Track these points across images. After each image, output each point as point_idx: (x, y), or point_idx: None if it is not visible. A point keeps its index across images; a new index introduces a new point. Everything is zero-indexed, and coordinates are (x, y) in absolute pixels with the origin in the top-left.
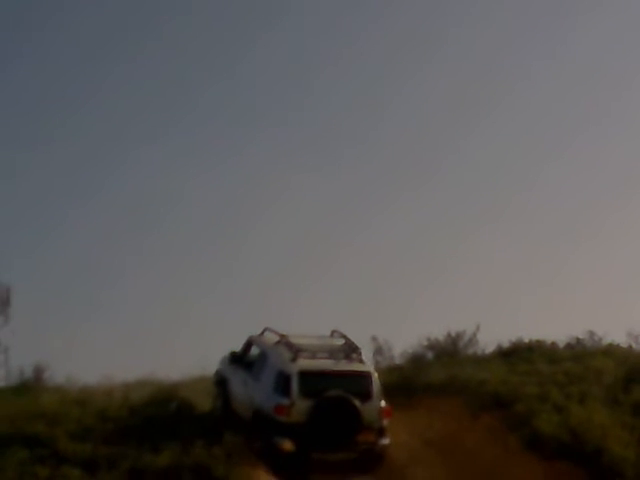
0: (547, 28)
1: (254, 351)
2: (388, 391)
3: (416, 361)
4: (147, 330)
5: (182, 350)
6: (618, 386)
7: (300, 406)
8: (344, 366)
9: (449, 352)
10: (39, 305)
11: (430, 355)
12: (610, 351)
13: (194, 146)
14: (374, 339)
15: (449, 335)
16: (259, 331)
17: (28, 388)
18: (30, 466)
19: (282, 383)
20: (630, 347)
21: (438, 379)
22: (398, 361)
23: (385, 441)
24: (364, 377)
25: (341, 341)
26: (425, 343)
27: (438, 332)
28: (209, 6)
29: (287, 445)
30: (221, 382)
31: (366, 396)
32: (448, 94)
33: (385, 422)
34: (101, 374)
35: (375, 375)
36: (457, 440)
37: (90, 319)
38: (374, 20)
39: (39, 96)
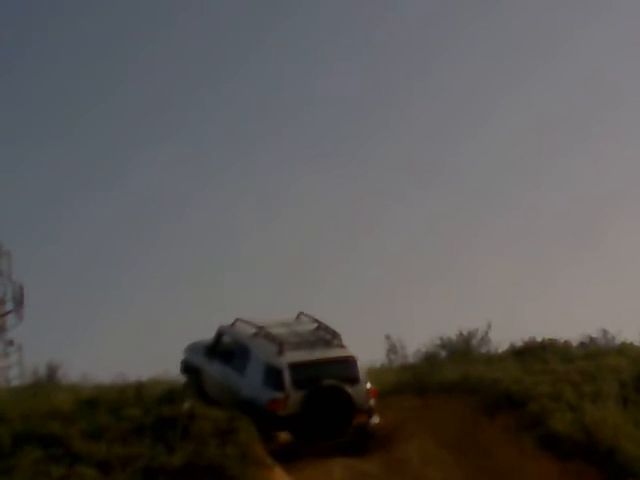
0: (548, 28)
1: (226, 342)
2: (402, 390)
3: (429, 360)
4: (161, 328)
5: None
6: (631, 385)
7: (294, 398)
8: (329, 353)
9: (462, 351)
10: (53, 304)
11: (443, 354)
12: (623, 350)
13: (201, 147)
14: (388, 338)
15: (461, 334)
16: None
17: (42, 387)
18: (44, 466)
19: (273, 377)
20: None
21: (451, 378)
22: (411, 360)
23: (375, 420)
24: (349, 362)
25: (313, 325)
26: (438, 342)
27: (451, 331)
28: (216, 9)
29: (284, 437)
30: (191, 371)
31: (354, 380)
32: (452, 92)
33: (372, 402)
34: (115, 372)
35: (358, 358)
36: (471, 440)
37: (103, 317)
38: (374, 21)
39: (49, 95)
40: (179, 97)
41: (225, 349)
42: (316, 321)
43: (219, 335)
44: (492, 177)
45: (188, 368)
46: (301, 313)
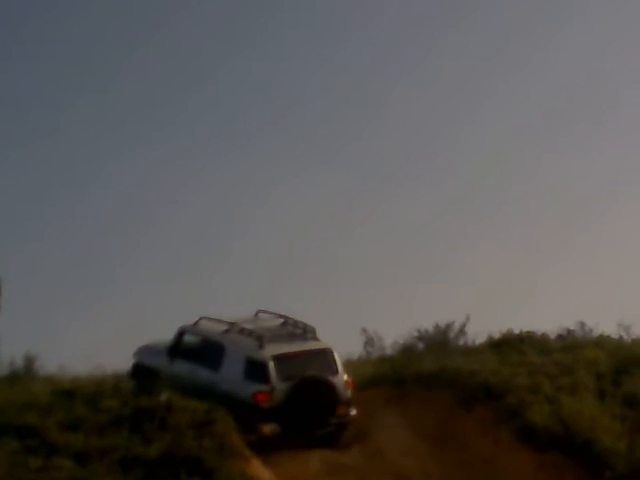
0: (545, 22)
1: (190, 340)
2: (379, 382)
3: (407, 352)
4: (138, 320)
5: None
6: (609, 377)
7: (279, 390)
8: (308, 345)
9: (439, 343)
10: (31, 294)
11: (421, 346)
12: (601, 342)
13: (191, 145)
14: (364, 330)
15: (438, 326)
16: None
17: (19, 378)
18: (21, 457)
19: (256, 370)
20: (621, 338)
21: (429, 370)
22: (389, 352)
23: (353, 412)
24: (328, 354)
25: (279, 320)
26: (415, 334)
27: (428, 323)
28: (204, 6)
29: (268, 429)
30: (147, 373)
31: (334, 371)
32: (447, 84)
33: (349, 393)
34: (92, 364)
35: (335, 350)
36: (448, 431)
37: (81, 309)
38: (365, 14)
39: (37, 93)
40: (168, 95)
41: (189, 348)
42: (281, 316)
43: (180, 334)
44: (473, 173)
45: (142, 371)
46: (260, 310)
